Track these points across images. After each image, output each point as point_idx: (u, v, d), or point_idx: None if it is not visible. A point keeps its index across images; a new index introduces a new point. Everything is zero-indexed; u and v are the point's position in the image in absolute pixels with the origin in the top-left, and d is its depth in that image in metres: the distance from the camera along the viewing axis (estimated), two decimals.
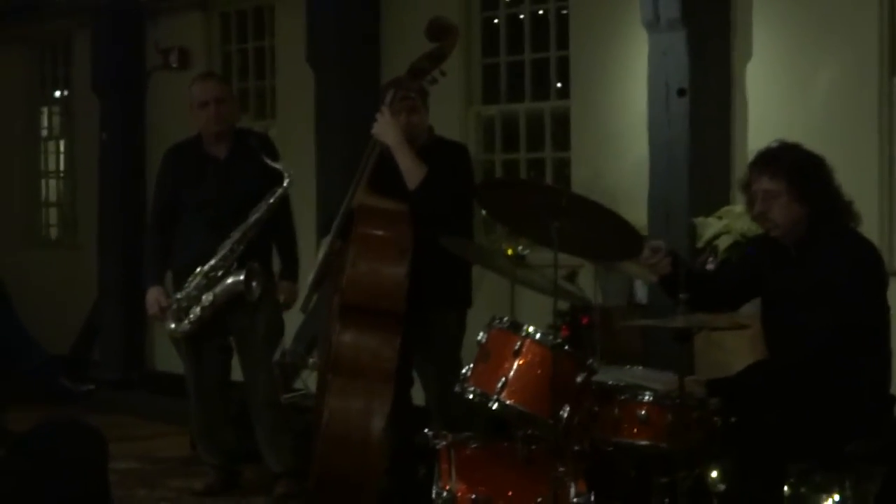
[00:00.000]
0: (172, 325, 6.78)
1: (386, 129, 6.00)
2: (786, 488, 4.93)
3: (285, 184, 6.63)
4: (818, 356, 4.87)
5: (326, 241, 6.24)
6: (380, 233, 5.80)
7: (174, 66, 10.63)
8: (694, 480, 4.86)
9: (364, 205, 5.89)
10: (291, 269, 6.85)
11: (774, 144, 5.08)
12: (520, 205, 4.95)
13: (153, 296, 6.79)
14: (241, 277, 6.57)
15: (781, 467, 4.87)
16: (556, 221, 4.71)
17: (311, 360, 6.22)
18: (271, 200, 6.63)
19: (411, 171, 5.96)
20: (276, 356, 6.24)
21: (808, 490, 5.24)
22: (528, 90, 8.77)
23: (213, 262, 6.63)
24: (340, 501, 5.66)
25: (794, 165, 4.99)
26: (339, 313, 5.76)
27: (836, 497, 5.15)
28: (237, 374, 6.99)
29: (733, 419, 4.86)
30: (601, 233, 4.91)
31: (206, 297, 6.66)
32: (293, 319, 7.11)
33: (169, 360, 9.18)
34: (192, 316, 6.69)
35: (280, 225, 6.82)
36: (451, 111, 8.74)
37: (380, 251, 5.75)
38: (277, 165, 6.66)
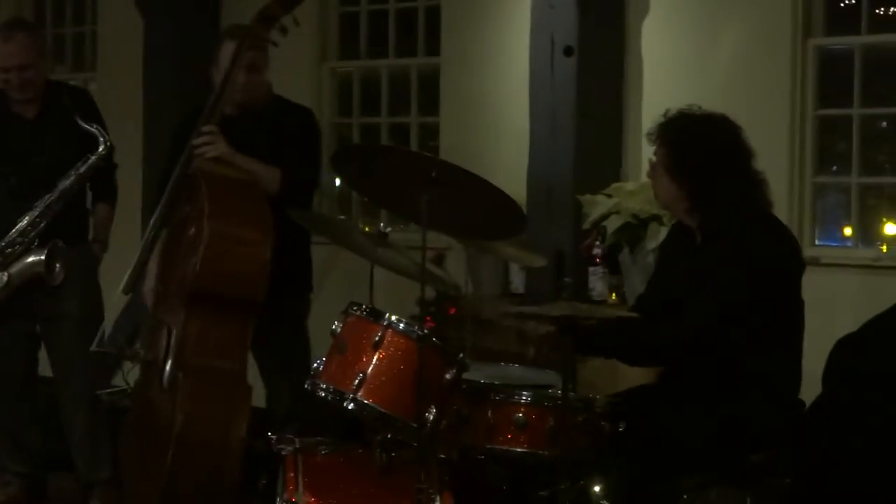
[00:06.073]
0: None
1: (217, 147, 5.89)
2: None
3: (100, 150, 6.52)
4: (689, 344, 4.89)
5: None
6: (240, 207, 5.68)
7: None
8: (577, 494, 4.88)
9: (215, 174, 5.78)
10: (101, 235, 6.77)
11: (683, 108, 5.04)
12: (383, 175, 4.92)
13: None
14: (42, 257, 6.47)
15: (674, 480, 4.90)
16: (425, 194, 4.68)
17: (135, 351, 6.06)
18: (82, 169, 6.52)
19: (264, 177, 5.89)
20: (94, 345, 6.10)
21: None
22: (393, 44, 8.75)
23: (9, 237, 6.51)
24: None
25: (675, 136, 4.97)
26: (187, 300, 5.64)
27: None
28: (45, 367, 6.88)
29: (622, 426, 4.89)
30: (476, 208, 4.89)
31: (1, 278, 6.53)
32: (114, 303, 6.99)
33: None
34: None
35: (101, 193, 6.74)
36: (302, 67, 8.70)
37: (241, 229, 5.63)
38: (92, 129, 6.54)
